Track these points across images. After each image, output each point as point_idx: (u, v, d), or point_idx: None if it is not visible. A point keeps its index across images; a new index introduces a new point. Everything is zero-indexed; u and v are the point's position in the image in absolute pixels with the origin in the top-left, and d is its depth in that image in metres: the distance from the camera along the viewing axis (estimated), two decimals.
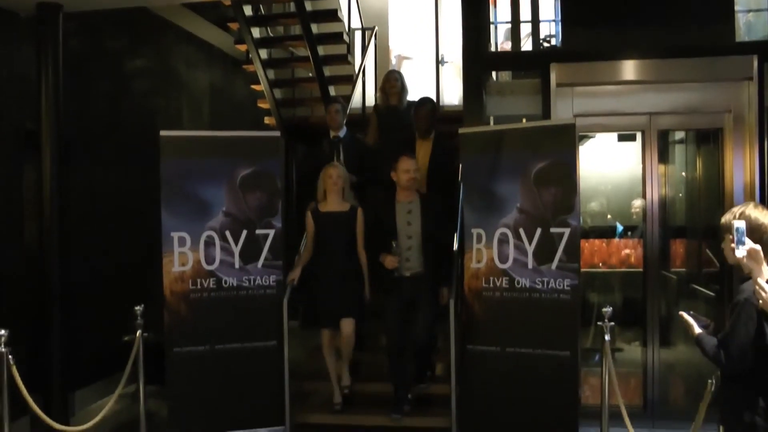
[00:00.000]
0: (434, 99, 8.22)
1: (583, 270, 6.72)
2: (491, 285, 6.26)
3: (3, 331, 5.31)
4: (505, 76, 9.16)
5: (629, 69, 6.97)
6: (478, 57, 7.37)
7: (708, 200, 7.36)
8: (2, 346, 5.33)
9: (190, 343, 6.37)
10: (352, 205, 6.76)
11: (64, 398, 6.65)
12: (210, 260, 6.44)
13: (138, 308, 6.27)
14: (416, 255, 6.42)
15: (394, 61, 12.27)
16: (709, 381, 4.36)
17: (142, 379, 6.33)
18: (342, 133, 7.76)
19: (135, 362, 6.26)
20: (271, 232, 6.59)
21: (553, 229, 5.99)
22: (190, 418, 6.32)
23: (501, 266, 6.22)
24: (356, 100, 9.78)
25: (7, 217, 6.31)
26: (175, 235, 6.37)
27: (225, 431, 6.34)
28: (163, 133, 6.50)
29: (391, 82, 8.00)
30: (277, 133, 7.41)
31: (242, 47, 10.31)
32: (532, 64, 7.76)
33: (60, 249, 6.61)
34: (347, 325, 6.44)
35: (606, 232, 8.21)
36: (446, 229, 6.53)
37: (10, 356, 5.36)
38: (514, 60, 8.78)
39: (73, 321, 6.95)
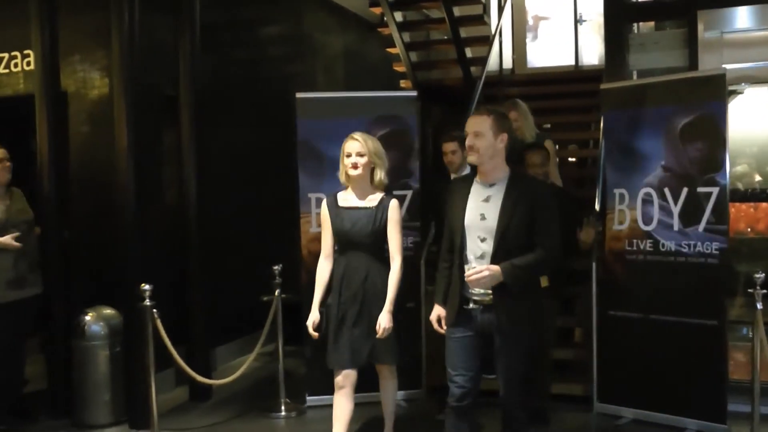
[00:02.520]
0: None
1: None
2: (634, 248, 5.98)
3: (147, 287, 5.46)
4: (648, 27, 8.74)
5: None
6: (619, 7, 7.03)
7: None
8: (147, 300, 5.49)
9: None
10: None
11: (206, 353, 6.79)
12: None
13: (276, 268, 6.33)
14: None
15: (531, 21, 11.95)
16: None
17: (280, 338, 6.40)
18: (464, 172, 5.94)
19: (273, 322, 6.33)
20: None
21: (700, 189, 5.64)
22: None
23: (645, 228, 5.92)
24: (493, 62, 9.57)
25: (149, 180, 6.45)
26: (312, 195, 6.36)
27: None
28: (299, 94, 6.55)
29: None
30: (414, 93, 7.32)
31: (377, 10, 10.24)
32: (677, 12, 7.35)
33: (198, 209, 6.72)
34: None
35: (754, 196, 7.76)
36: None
37: (155, 310, 5.53)
38: (657, 9, 8.29)
39: (213, 280, 7.09)
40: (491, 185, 4.18)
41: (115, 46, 6.11)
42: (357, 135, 4.85)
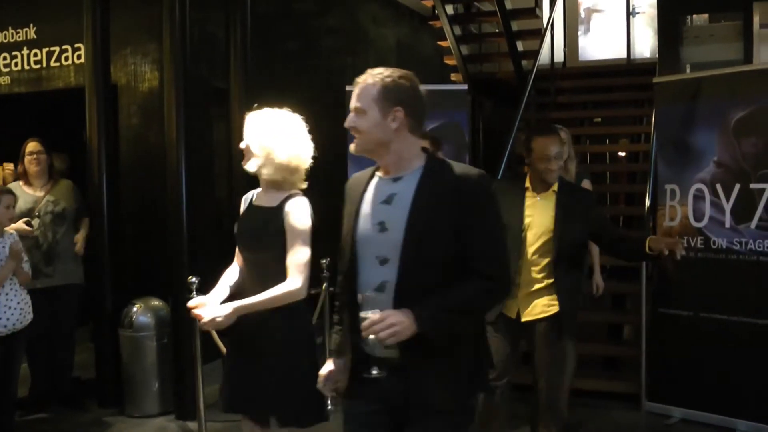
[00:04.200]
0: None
1: None
2: (685, 245, 5.86)
3: (195, 279, 5.49)
4: (702, 20, 8.57)
5: None
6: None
7: None
8: (195, 292, 5.51)
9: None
10: None
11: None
12: None
13: (324, 262, 6.32)
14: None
15: (583, 14, 11.81)
16: None
17: (327, 331, 6.39)
18: None
19: (321, 314, 6.33)
20: None
21: (753, 185, 5.51)
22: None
23: (696, 225, 5.82)
24: (544, 55, 9.47)
25: (199, 172, 6.49)
26: None
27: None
28: (348, 87, 6.51)
29: None
30: (465, 86, 7.29)
31: (428, 3, 10.20)
32: (733, 5, 7.19)
33: None
34: None
35: None
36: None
37: None
38: (712, 1, 8.11)
39: None
40: (396, 180, 2.79)
41: (166, 39, 6.14)
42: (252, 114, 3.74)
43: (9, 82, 7.38)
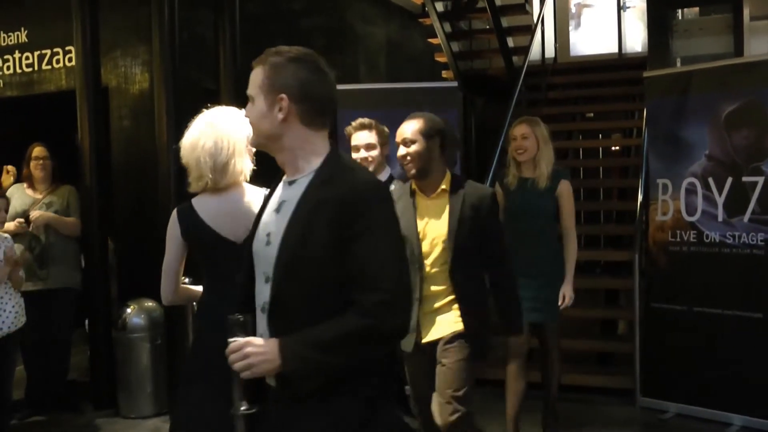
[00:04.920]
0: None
1: None
2: (678, 239, 5.87)
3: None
4: (693, 13, 8.58)
5: None
6: None
7: None
8: None
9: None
10: None
11: None
12: None
13: None
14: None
15: (573, 9, 11.83)
16: None
17: None
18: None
19: None
20: None
21: (745, 178, 5.51)
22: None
23: (688, 219, 5.82)
24: (535, 51, 9.48)
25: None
26: None
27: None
28: (339, 86, 6.50)
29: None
30: (455, 84, 7.29)
31: (418, 0, 10.19)
32: None
33: None
34: None
35: None
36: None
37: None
38: None
39: None
40: (291, 183, 2.34)
41: (155, 41, 6.13)
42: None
43: (1, 85, 7.39)
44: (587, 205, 8.64)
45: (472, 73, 10.35)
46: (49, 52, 7.09)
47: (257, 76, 2.30)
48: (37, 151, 6.19)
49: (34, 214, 5.99)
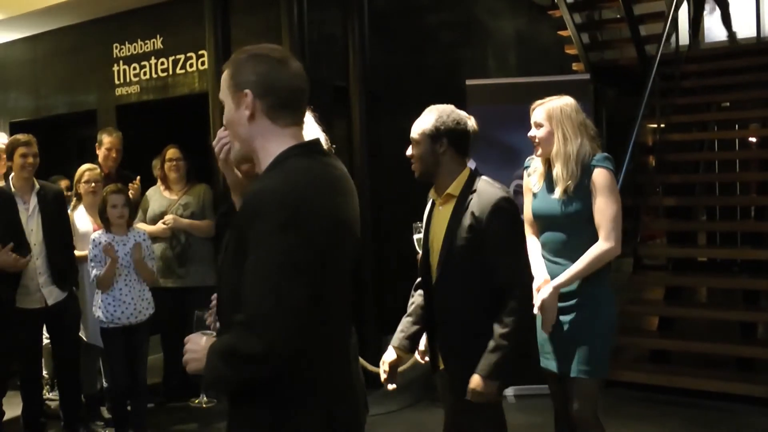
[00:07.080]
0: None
1: None
2: None
3: None
4: None
5: None
6: None
7: None
8: None
9: None
10: None
11: (378, 341, 6.83)
12: None
13: None
14: None
15: None
16: None
17: None
18: None
19: None
20: None
21: None
22: None
23: None
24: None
25: None
26: None
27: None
28: (469, 81, 6.54)
29: None
30: (587, 76, 7.14)
31: None
32: None
33: (371, 200, 6.77)
34: None
35: None
36: None
37: None
38: None
39: (385, 266, 7.23)
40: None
41: (285, 41, 6.22)
42: None
43: (138, 90, 7.68)
44: (723, 200, 8.30)
45: (603, 65, 10.06)
46: (182, 56, 7.35)
47: (224, 79, 2.25)
48: (171, 152, 6.42)
49: (168, 218, 6.20)
